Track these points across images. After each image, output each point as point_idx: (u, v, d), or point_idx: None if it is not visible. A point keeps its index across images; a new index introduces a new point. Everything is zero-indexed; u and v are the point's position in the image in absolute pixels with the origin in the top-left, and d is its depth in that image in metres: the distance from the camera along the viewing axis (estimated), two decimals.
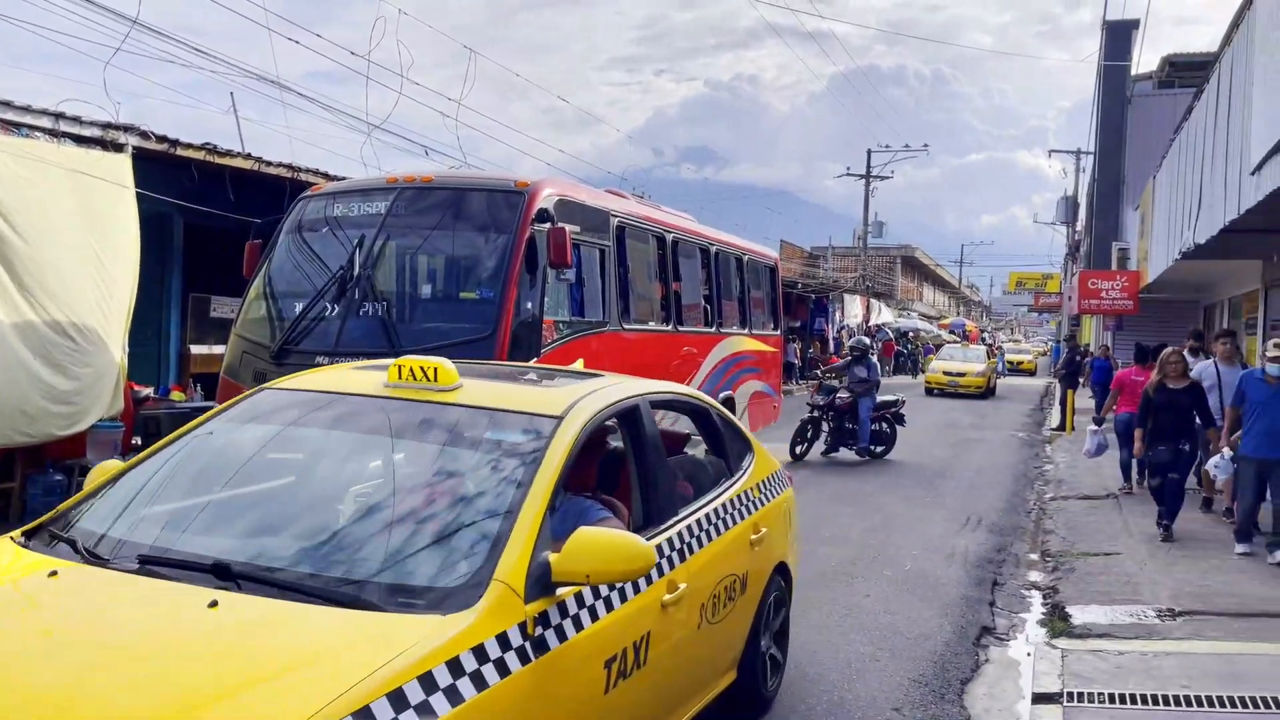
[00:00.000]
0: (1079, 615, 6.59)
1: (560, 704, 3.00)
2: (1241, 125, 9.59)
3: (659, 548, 3.68)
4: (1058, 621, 6.55)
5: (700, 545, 4.05)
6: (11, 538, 3.31)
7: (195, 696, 2.33)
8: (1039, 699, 5.15)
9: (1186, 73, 26.58)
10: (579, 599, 3.16)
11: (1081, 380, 21.68)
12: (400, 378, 3.76)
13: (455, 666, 2.60)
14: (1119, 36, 29.64)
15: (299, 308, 8.30)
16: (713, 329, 12.77)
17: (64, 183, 8.53)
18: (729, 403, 13.13)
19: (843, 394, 14.61)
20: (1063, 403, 20.08)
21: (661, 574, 3.66)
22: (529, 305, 8.18)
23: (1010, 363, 46.22)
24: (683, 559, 3.87)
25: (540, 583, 2.98)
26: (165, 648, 2.58)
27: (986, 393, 28.97)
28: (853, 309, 40.75)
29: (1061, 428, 19.18)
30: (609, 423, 3.99)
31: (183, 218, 11.76)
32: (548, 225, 8.31)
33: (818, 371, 15.45)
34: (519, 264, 8.07)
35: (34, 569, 3.02)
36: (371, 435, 3.82)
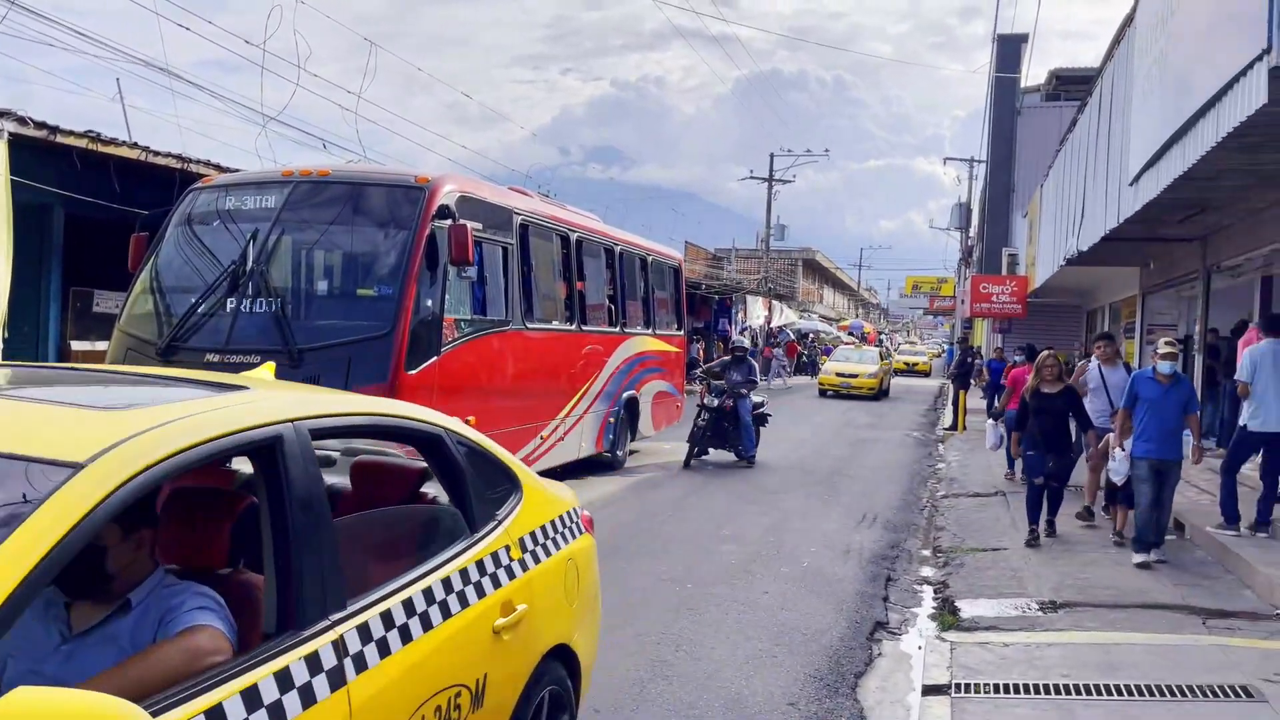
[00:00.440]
0: (968, 609, 6.80)
1: None
2: (1121, 138, 10.03)
3: (307, 663, 2.34)
4: (947, 615, 6.74)
5: (387, 652, 2.62)
6: None
7: None
8: (929, 691, 5.28)
9: (1072, 86, 27.73)
10: None
11: (974, 381, 22.44)
12: None
13: None
14: (1009, 50, 30.76)
15: (188, 303, 8.03)
16: (617, 329, 12.79)
17: None
18: (633, 403, 13.19)
19: (714, 398, 13.59)
20: (955, 403, 20.70)
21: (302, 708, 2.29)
22: (429, 303, 8.07)
23: (906, 364, 47.52)
24: (343, 680, 2.44)
25: None
26: None
27: (879, 394, 29.16)
28: (755, 310, 41.34)
29: (954, 427, 19.77)
30: (237, 463, 2.86)
31: (64, 208, 11.26)
32: (449, 222, 8.21)
33: (696, 373, 14.40)
34: (419, 261, 7.96)
35: None
36: None
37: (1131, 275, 17.16)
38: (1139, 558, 7.77)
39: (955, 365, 23.05)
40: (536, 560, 3.58)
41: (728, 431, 13.61)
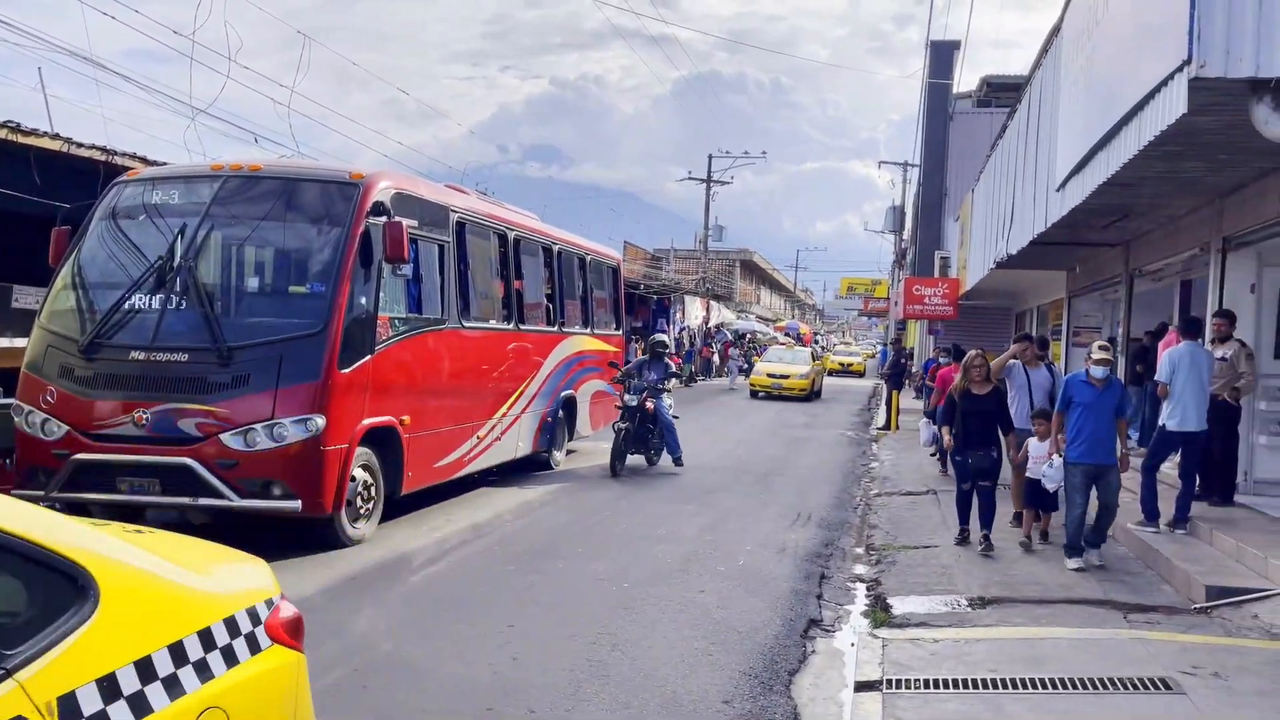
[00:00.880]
0: (899, 606, 6.90)
1: None
2: (1049, 145, 10.29)
3: None
4: (880, 612, 6.84)
5: None
6: None
7: None
8: (861, 687, 5.35)
9: (1002, 93, 28.35)
10: None
11: (907, 381, 22.82)
12: None
13: None
14: (942, 56, 31.34)
15: (112, 300, 7.81)
16: (555, 328, 12.75)
17: None
18: (571, 402, 13.16)
19: (634, 396, 12.74)
20: (888, 403, 21.03)
21: None
22: (362, 301, 7.96)
23: (841, 364, 48.11)
24: None
25: None
26: None
27: (811, 395, 28.72)
28: (694, 310, 41.56)
29: (887, 427, 20.08)
30: None
31: None
32: (384, 219, 8.11)
33: (616, 371, 13.75)
34: (352, 258, 7.84)
35: None
36: None
37: (1059, 279, 17.61)
38: (1073, 563, 7.75)
39: (889, 366, 23.41)
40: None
41: (649, 434, 12.96)
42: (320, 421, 7.45)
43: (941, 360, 15.32)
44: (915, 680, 5.34)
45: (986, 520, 8.43)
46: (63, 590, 2.28)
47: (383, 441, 8.36)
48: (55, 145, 10.88)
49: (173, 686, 2.38)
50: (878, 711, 4.91)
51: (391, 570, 7.49)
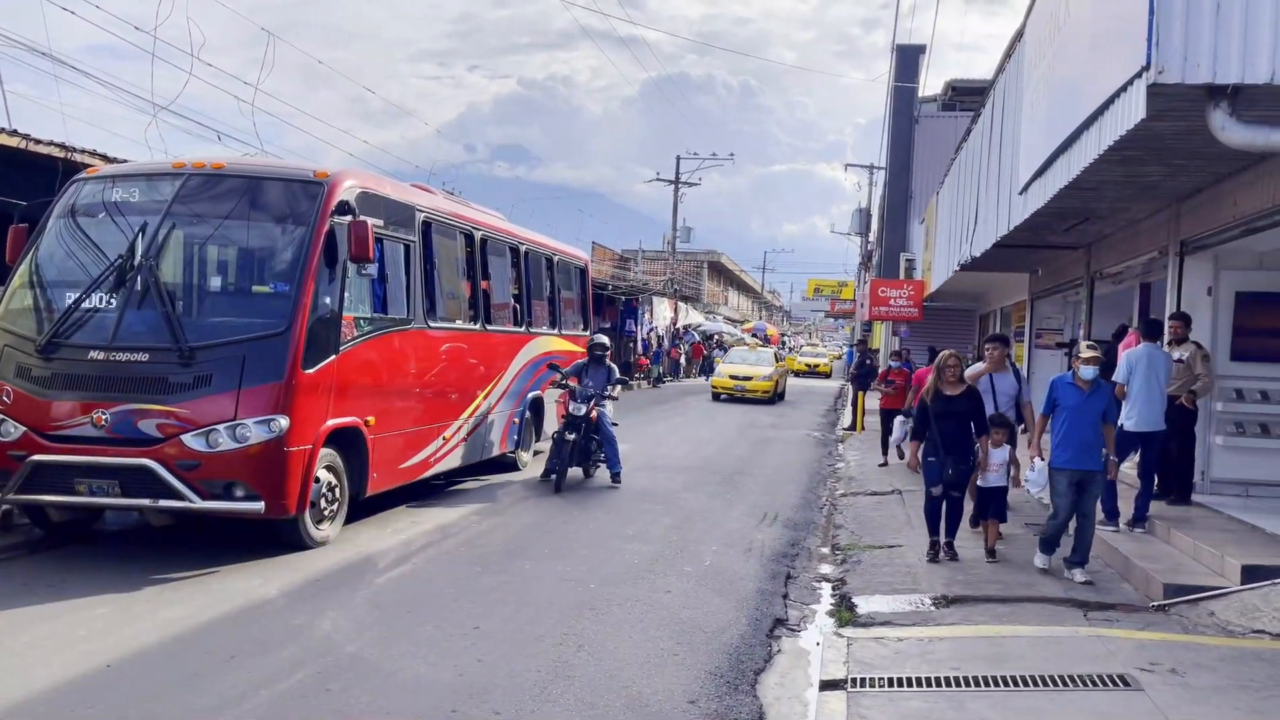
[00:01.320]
0: (864, 605, 6.96)
1: None
2: (1012, 149, 10.41)
3: None
4: (845, 612, 6.89)
5: None
6: None
7: None
8: (826, 686, 5.39)
9: (967, 97, 28.64)
10: None
11: (873, 383, 22.93)
12: None
13: None
14: (908, 60, 31.59)
15: (71, 298, 7.69)
16: (522, 329, 12.72)
17: None
18: (538, 403, 13.14)
19: (581, 405, 11.66)
20: (854, 404, 21.16)
21: None
22: (327, 300, 7.90)
23: (807, 365, 48.35)
24: None
25: None
26: None
27: (774, 398, 27.91)
28: (662, 311, 41.58)
29: (853, 427, 20.21)
30: None
31: None
32: (349, 218, 8.05)
33: (556, 376, 12.49)
34: (317, 258, 7.78)
35: None
36: None
37: (1021, 281, 17.83)
38: (1040, 561, 7.72)
39: (855, 367, 23.55)
40: None
41: (590, 446, 11.85)
42: (284, 422, 7.38)
43: (892, 364, 15.49)
44: (880, 679, 5.38)
45: (952, 529, 8.24)
46: None
47: (348, 442, 8.30)
48: (13, 142, 10.69)
49: None
50: (842, 710, 4.95)
51: (356, 572, 7.43)
